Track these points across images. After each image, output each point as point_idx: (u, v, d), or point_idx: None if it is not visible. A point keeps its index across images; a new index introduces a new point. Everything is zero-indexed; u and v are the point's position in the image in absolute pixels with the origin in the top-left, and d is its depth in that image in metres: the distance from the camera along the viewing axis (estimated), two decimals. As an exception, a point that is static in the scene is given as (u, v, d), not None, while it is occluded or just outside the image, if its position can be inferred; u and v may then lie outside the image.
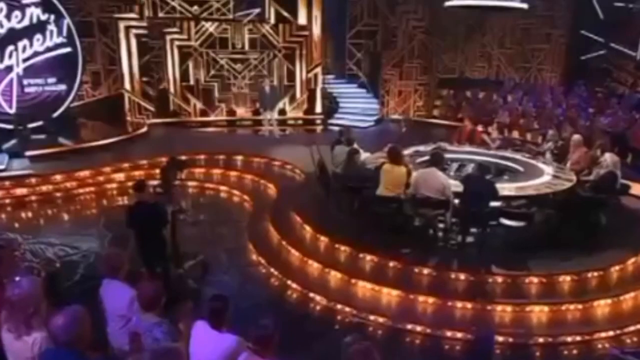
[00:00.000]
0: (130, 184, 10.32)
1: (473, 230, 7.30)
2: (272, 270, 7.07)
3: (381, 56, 16.47)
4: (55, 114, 12.83)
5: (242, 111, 15.32)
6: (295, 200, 8.78)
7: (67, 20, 12.78)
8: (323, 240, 7.41)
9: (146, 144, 12.69)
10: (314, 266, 6.96)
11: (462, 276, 6.60)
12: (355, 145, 8.45)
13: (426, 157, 9.00)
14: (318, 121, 15.58)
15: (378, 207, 7.41)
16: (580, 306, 6.23)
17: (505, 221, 7.24)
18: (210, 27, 14.75)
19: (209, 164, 11.38)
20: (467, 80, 17.39)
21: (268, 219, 8.42)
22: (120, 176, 10.73)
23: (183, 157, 9.27)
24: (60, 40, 12.70)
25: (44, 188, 10.01)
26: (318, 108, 15.74)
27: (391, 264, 6.82)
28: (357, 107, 15.85)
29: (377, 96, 16.38)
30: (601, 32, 15.19)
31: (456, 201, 7.14)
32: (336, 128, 14.71)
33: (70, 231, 8.66)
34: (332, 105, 15.88)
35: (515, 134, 14.93)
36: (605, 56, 15.42)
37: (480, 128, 11.41)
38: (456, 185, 7.18)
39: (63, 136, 12.27)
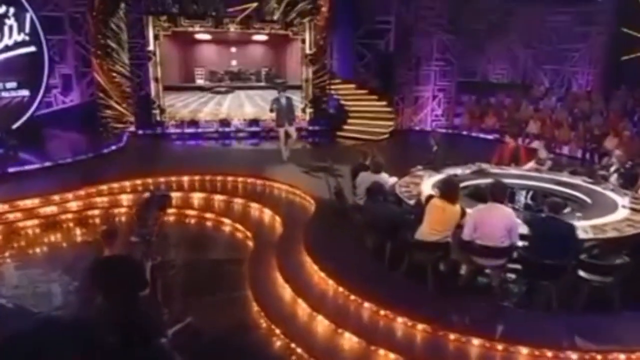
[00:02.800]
0: (109, 210, 9.05)
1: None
2: (291, 344, 5.48)
3: (395, 57, 15.15)
4: (16, 125, 11.48)
5: (237, 121, 13.97)
6: (308, 237, 7.37)
7: (30, 14, 11.43)
8: (352, 298, 5.97)
9: (126, 161, 11.32)
10: (352, 340, 5.41)
11: (536, 352, 5.21)
12: (384, 175, 7.03)
13: (468, 182, 7.75)
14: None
15: (419, 254, 6.04)
16: None
17: (582, 273, 5.90)
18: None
19: (199, 187, 9.94)
20: (491, 84, 16.13)
21: (274, 263, 7.01)
22: (96, 201, 9.27)
23: (165, 189, 7.87)
24: (22, 37, 11.49)
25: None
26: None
27: (442, 333, 5.41)
28: (368, 116, 14.46)
29: (390, 103, 15.04)
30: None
31: (519, 243, 5.81)
32: (347, 142, 13.49)
33: (23, 279, 7.11)
34: (340, 114, 14.50)
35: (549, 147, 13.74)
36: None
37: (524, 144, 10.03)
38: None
39: (25, 151, 10.95)
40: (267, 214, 8.78)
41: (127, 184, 9.67)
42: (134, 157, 11.73)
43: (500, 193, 5.75)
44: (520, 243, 5.87)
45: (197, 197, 9.58)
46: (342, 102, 14.66)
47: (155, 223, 5.47)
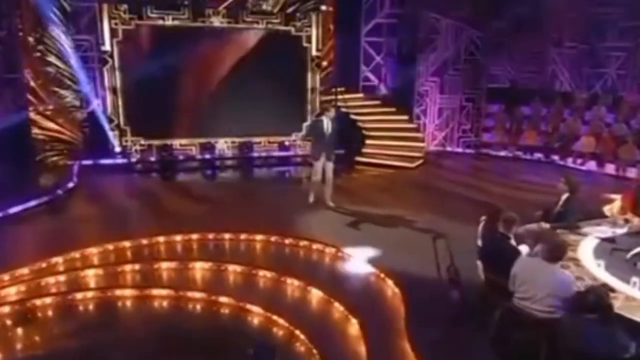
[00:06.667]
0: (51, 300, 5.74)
1: None
2: None
3: (415, 61, 12.68)
4: None
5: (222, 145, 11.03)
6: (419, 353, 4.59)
7: None
8: None
9: (78, 211, 8.12)
10: None
11: None
12: (567, 274, 4.21)
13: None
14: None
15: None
16: None
17: None
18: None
19: (200, 251, 6.93)
20: (522, 91, 13.91)
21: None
22: (20, 290, 5.89)
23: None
24: None
25: None
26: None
27: None
28: (389, 135, 11.84)
29: (411, 118, 12.54)
30: None
31: None
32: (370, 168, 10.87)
33: None
34: (353, 133, 11.81)
35: (611, 169, 11.65)
36: None
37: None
38: None
39: None
40: (334, 307, 5.66)
41: (99, 249, 6.55)
42: (93, 204, 8.53)
43: None
44: None
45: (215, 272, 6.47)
46: (354, 117, 12.00)
47: None
